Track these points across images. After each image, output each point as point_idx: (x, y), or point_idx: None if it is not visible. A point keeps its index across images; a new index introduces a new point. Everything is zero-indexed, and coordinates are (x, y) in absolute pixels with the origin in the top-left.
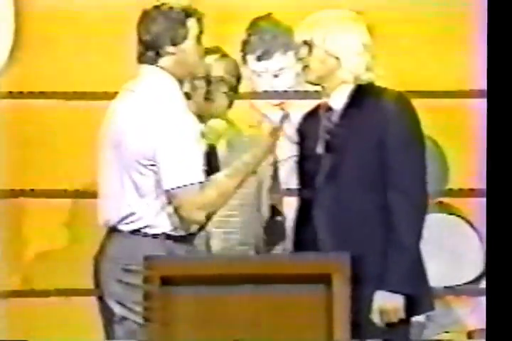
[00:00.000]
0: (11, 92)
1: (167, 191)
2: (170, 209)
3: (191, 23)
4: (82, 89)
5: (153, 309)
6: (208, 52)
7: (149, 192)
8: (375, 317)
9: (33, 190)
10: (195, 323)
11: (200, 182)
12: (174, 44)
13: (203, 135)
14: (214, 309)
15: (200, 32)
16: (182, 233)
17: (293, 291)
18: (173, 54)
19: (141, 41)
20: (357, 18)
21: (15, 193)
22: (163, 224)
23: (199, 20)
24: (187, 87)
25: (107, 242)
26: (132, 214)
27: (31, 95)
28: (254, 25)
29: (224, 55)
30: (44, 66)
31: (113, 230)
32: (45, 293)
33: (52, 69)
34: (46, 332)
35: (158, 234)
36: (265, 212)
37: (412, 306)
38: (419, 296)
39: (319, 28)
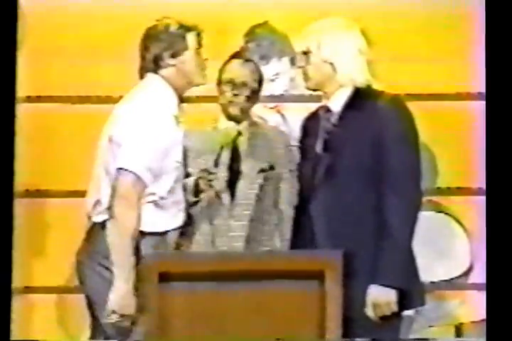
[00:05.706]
0: (28, 97)
1: (117, 169)
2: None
3: (190, 37)
4: (96, 93)
5: (151, 304)
6: (233, 57)
7: None
8: (369, 311)
9: (53, 190)
10: (191, 319)
11: (138, 177)
12: (174, 56)
13: (217, 137)
14: (209, 304)
15: (199, 45)
16: (149, 229)
17: (286, 287)
18: (173, 65)
19: (142, 57)
20: (350, 24)
21: (34, 194)
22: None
23: (198, 35)
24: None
25: (86, 237)
26: (99, 201)
27: (46, 99)
28: (251, 33)
29: (247, 60)
30: (56, 71)
31: (92, 224)
32: (65, 290)
33: (64, 74)
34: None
35: None
36: (286, 209)
37: (404, 301)
38: (410, 291)
39: (314, 37)
